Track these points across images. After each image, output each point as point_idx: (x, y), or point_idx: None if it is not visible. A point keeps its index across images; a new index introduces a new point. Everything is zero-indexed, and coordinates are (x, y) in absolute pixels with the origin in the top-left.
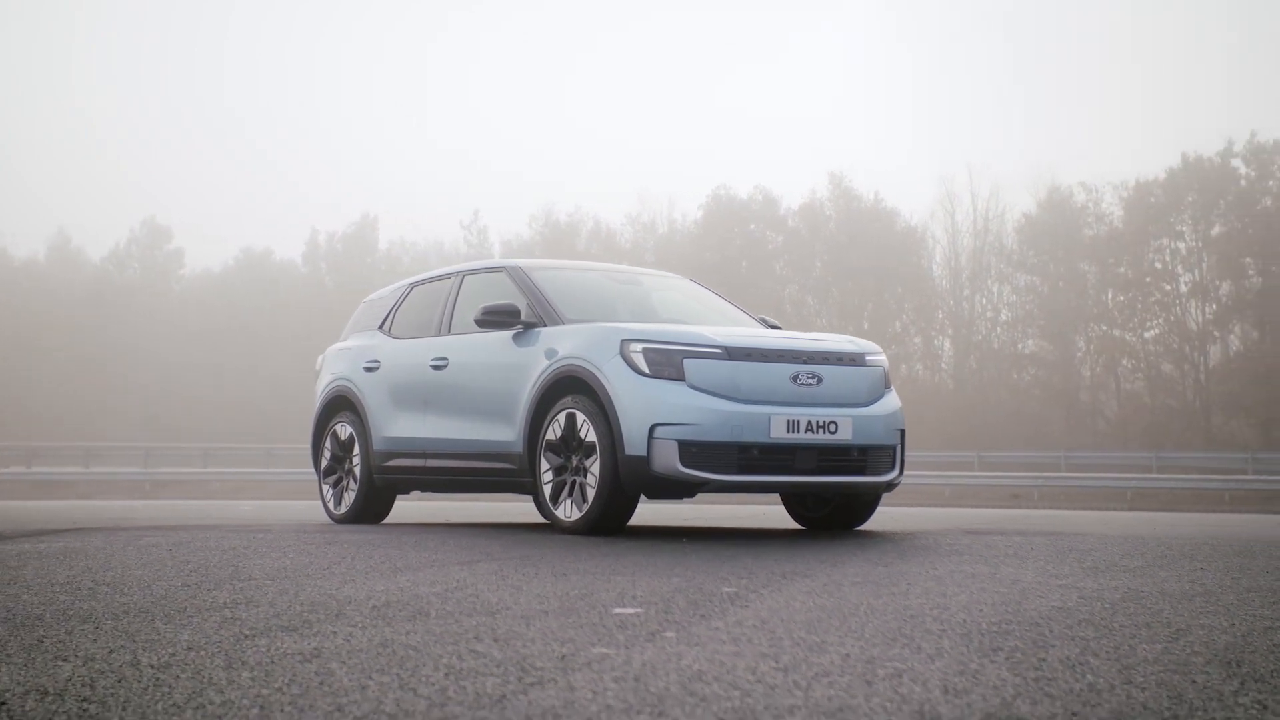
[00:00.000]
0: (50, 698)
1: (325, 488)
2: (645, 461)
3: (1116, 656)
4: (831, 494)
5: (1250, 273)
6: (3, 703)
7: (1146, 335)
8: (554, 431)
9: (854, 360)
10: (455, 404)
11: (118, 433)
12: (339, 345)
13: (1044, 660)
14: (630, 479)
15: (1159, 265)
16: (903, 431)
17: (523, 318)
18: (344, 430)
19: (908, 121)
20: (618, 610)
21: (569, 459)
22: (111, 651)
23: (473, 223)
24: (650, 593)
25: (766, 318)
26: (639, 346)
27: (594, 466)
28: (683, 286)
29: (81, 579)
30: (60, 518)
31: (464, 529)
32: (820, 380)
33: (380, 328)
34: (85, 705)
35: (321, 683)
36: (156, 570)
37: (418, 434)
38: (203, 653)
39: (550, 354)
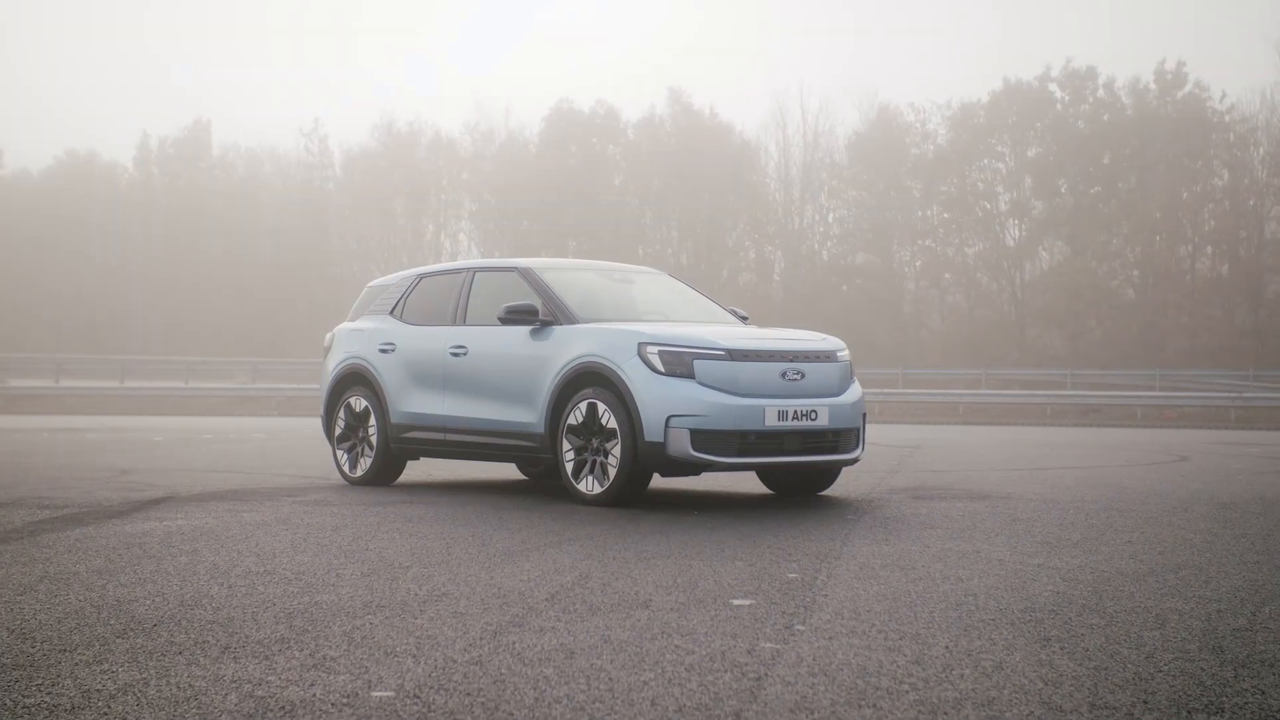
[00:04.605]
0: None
1: (340, 453)
2: (662, 446)
3: (1138, 646)
4: (807, 470)
5: (1063, 192)
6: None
7: (968, 251)
8: (575, 417)
9: (828, 357)
10: (476, 388)
11: None
12: (350, 326)
13: (1087, 650)
14: (648, 461)
15: (981, 184)
16: (864, 415)
17: (540, 316)
18: (359, 403)
19: (744, 35)
20: (736, 601)
21: (589, 441)
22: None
23: (313, 131)
24: (738, 581)
25: (736, 309)
26: (655, 349)
27: (614, 449)
28: (666, 283)
29: (334, 556)
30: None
31: (486, 497)
32: (803, 376)
33: (392, 313)
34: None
35: (658, 632)
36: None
37: (437, 411)
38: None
39: (569, 350)
